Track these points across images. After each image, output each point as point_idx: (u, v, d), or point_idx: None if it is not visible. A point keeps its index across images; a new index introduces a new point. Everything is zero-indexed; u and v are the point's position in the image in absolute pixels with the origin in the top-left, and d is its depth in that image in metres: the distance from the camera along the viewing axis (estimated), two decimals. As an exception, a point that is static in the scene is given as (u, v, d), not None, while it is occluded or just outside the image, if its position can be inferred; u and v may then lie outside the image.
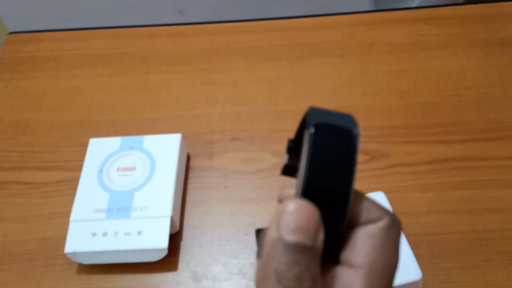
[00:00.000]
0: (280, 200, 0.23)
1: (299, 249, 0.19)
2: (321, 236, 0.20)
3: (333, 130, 0.20)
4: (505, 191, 0.50)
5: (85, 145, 0.53)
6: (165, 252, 0.45)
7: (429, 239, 0.47)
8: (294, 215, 0.19)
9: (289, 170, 0.26)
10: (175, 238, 0.49)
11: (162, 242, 0.45)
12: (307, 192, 0.20)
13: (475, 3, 0.68)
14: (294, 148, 0.24)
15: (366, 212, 0.21)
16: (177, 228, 0.49)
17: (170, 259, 0.47)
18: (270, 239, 0.19)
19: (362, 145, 0.54)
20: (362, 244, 0.21)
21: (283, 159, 0.25)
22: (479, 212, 0.49)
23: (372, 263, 0.20)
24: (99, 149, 0.52)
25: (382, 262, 0.20)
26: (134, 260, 0.46)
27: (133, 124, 0.58)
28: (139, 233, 0.46)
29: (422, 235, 0.47)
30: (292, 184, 0.22)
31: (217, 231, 0.49)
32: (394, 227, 0.21)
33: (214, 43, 0.66)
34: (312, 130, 0.20)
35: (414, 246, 0.45)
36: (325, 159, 0.20)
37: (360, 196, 0.22)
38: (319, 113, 0.22)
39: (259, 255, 0.23)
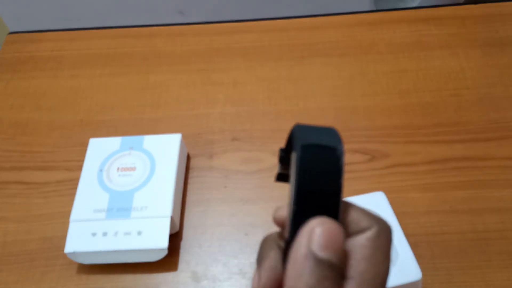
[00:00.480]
0: (275, 219, 0.24)
1: (330, 266, 0.20)
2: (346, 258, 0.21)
3: (318, 150, 0.22)
4: (505, 191, 0.50)
5: (85, 145, 0.53)
6: (165, 252, 0.45)
7: (429, 239, 0.47)
8: (327, 234, 0.20)
9: (282, 177, 0.27)
10: (175, 238, 0.49)
11: (162, 242, 0.45)
12: (298, 208, 0.21)
13: (475, 3, 0.68)
14: (285, 158, 0.26)
15: (355, 222, 0.22)
16: (177, 228, 0.49)
17: (170, 259, 0.47)
18: (302, 253, 0.20)
19: (362, 145, 0.54)
20: (352, 255, 0.21)
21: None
22: (479, 212, 0.49)
23: (361, 274, 0.21)
24: (99, 149, 0.52)
25: (371, 272, 0.21)
26: (134, 260, 0.46)
27: (133, 124, 0.58)
28: (139, 233, 0.46)
29: (422, 235, 0.47)
30: (284, 206, 0.23)
31: (217, 231, 0.49)
32: (383, 235, 0.22)
33: (214, 43, 0.66)
34: (298, 150, 0.21)
35: (414, 246, 0.45)
36: (312, 176, 0.21)
37: (349, 206, 0.23)
38: (304, 130, 0.23)
39: (260, 259, 0.23)
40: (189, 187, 0.53)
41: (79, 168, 0.52)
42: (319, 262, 0.19)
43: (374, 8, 1.09)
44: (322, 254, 0.20)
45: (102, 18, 1.06)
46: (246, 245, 0.48)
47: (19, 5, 1.05)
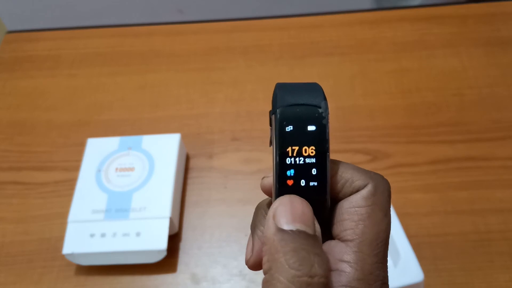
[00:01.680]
0: (262, 188, 0.24)
1: (302, 236, 0.19)
2: (317, 226, 0.20)
3: (299, 110, 0.20)
4: (507, 191, 0.49)
5: (83, 145, 0.53)
6: (164, 254, 0.45)
7: (431, 240, 0.47)
8: (289, 208, 0.20)
9: None
10: (174, 239, 0.48)
11: (161, 243, 0.45)
12: (282, 173, 0.20)
13: (477, 2, 0.67)
14: None
15: (349, 183, 0.21)
16: (176, 229, 0.48)
17: (169, 261, 0.47)
18: (271, 232, 0.19)
19: (364, 145, 0.54)
20: (349, 217, 0.21)
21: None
22: (481, 212, 0.48)
23: (361, 236, 0.20)
24: (97, 149, 0.52)
25: (371, 232, 0.20)
26: (132, 261, 0.46)
27: (131, 124, 0.58)
28: (138, 234, 0.45)
29: (424, 236, 0.47)
30: (270, 176, 0.23)
31: (216, 232, 0.49)
32: (379, 191, 0.21)
33: (213, 42, 0.65)
34: (277, 113, 0.21)
35: (416, 248, 0.45)
36: (294, 139, 0.20)
37: (341, 166, 0.22)
38: (285, 89, 0.22)
39: (253, 226, 0.22)
40: (189, 187, 0.52)
41: (77, 168, 0.51)
42: (290, 234, 0.19)
43: (375, 7, 1.09)
44: (290, 226, 0.19)
45: (100, 17, 1.05)
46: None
47: (17, 4, 1.04)
